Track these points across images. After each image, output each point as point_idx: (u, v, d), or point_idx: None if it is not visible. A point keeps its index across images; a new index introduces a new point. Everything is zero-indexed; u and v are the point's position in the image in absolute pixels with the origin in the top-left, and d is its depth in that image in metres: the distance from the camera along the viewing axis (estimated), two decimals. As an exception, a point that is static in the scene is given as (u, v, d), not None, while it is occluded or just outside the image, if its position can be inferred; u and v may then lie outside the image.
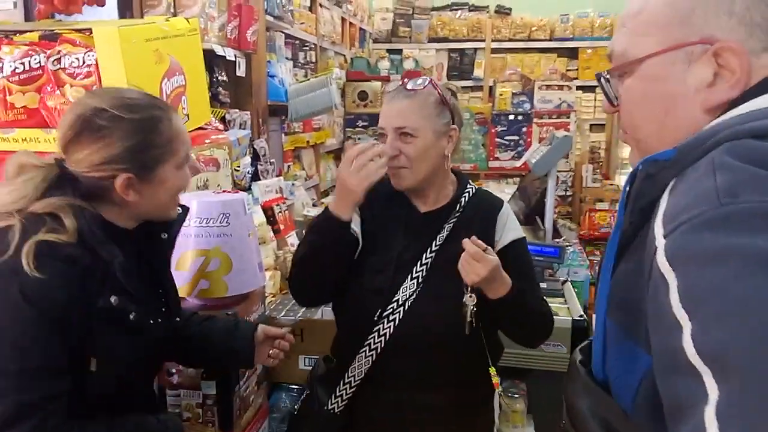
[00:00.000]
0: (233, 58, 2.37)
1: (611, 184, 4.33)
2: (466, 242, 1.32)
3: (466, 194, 1.50)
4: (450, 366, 1.41)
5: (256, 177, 2.54)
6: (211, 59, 2.27)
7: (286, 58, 3.33)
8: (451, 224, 1.46)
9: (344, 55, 4.65)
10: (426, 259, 1.41)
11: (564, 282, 2.30)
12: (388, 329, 1.39)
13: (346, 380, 1.44)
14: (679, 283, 0.52)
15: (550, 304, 1.72)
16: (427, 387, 1.41)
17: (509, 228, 1.51)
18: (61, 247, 1.00)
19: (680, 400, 0.50)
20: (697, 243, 0.52)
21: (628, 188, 0.66)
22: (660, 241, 0.55)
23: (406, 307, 1.40)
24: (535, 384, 1.99)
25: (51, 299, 0.97)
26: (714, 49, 0.64)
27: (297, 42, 3.59)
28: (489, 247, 1.33)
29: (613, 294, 0.67)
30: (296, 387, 1.96)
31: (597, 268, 3.19)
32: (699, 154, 0.59)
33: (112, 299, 1.05)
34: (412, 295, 1.40)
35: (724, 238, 0.50)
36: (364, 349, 1.41)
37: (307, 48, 3.79)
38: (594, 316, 0.73)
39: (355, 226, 1.43)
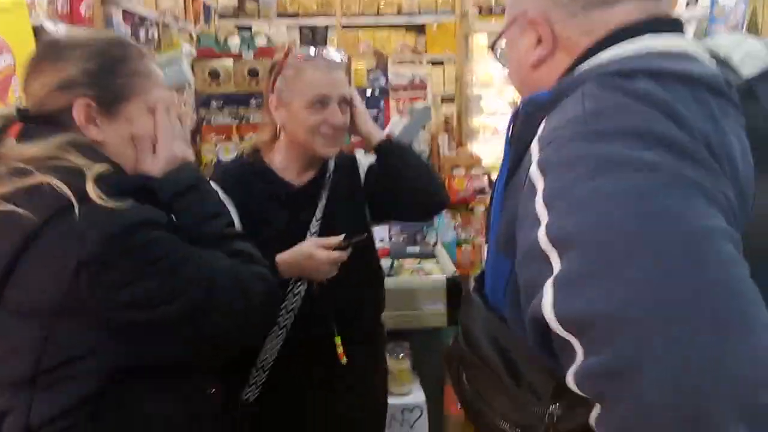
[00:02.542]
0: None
1: (465, 152, 4.60)
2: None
3: (331, 162, 1.57)
4: (354, 324, 1.45)
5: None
6: (41, 36, 2.02)
7: (126, 35, 3.07)
8: (327, 191, 1.50)
9: (190, 32, 4.39)
10: (314, 229, 1.42)
11: (435, 245, 2.42)
12: (295, 303, 1.40)
13: (259, 365, 1.41)
14: (545, 186, 0.61)
15: (424, 266, 1.81)
16: (336, 350, 1.44)
17: (364, 163, 1.62)
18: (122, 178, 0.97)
19: (533, 281, 0.59)
20: (561, 153, 0.61)
21: (511, 126, 0.76)
22: (535, 157, 0.65)
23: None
24: (417, 342, 2.09)
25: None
26: (526, 19, 0.79)
27: (136, 17, 3.32)
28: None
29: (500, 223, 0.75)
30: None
31: (460, 230, 3.39)
32: (571, 92, 0.68)
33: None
34: None
35: (584, 147, 0.59)
36: (273, 329, 1.39)
37: (148, 24, 3.53)
38: (486, 252, 0.81)
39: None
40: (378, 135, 1.50)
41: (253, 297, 1.01)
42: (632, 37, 0.72)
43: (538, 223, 0.60)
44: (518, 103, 0.76)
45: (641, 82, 0.63)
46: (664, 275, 0.52)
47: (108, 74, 1.00)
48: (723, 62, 0.74)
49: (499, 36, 0.87)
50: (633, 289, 0.52)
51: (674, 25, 0.75)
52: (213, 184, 1.44)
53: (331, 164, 1.55)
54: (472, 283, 0.84)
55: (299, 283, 1.42)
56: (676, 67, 0.66)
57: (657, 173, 0.56)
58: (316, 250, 1.36)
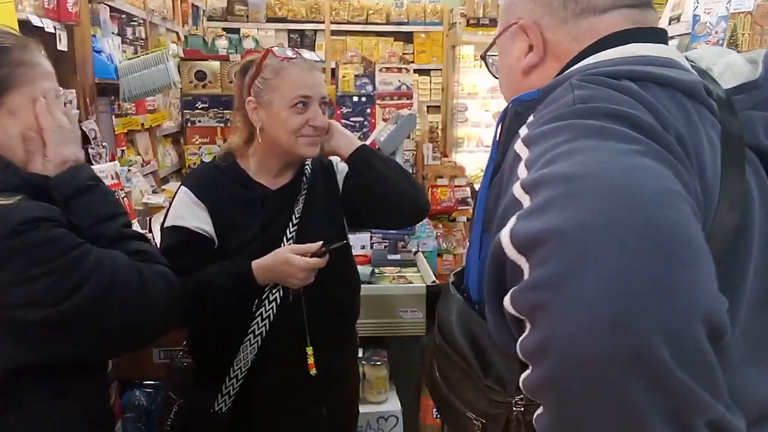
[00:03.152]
0: (53, 30, 2.12)
1: (449, 161, 4.63)
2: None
3: (308, 166, 1.55)
4: (328, 332, 1.44)
5: (87, 162, 2.31)
6: (27, 32, 2.00)
7: (113, 34, 3.05)
8: (304, 195, 1.48)
9: (177, 32, 4.38)
10: (290, 233, 1.40)
11: (416, 253, 2.42)
12: (270, 311, 1.37)
13: (232, 374, 1.39)
14: (529, 154, 0.63)
15: (405, 274, 1.80)
16: (316, 354, 1.42)
17: (342, 169, 1.60)
18: None
19: (503, 225, 0.60)
20: (548, 127, 0.64)
21: (500, 126, 0.77)
22: (521, 135, 0.67)
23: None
24: (394, 350, 2.09)
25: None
26: (518, 26, 0.81)
27: (124, 16, 3.30)
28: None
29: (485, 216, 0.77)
30: (151, 383, 1.85)
31: (441, 240, 3.40)
32: (558, 87, 0.70)
33: None
34: None
35: (571, 121, 0.62)
36: (248, 337, 1.37)
37: (135, 23, 3.51)
38: (468, 245, 0.81)
39: (206, 226, 1.39)
40: (347, 148, 1.46)
41: (153, 295, 0.99)
42: (618, 44, 0.74)
43: (517, 180, 0.62)
44: (507, 104, 0.77)
45: (625, 83, 0.66)
46: (622, 206, 0.53)
47: None
48: (704, 72, 0.76)
49: (492, 44, 0.89)
50: (588, 213, 0.53)
51: (659, 35, 0.78)
52: (185, 189, 1.43)
53: (309, 168, 1.53)
54: (451, 278, 0.86)
55: (274, 290, 1.39)
56: (658, 72, 0.69)
57: (634, 143, 0.58)
58: (292, 257, 1.33)
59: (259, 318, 1.38)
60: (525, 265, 0.56)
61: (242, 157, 1.48)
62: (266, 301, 1.38)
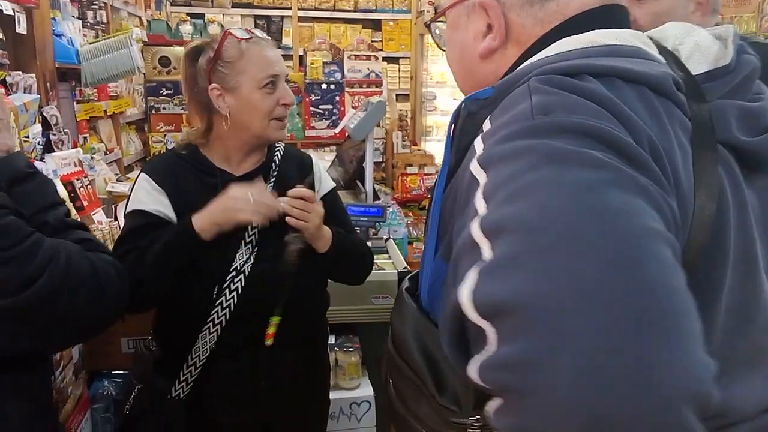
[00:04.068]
0: (11, 13, 2.05)
1: (419, 150, 4.65)
2: (299, 191, 1.35)
3: (278, 152, 1.51)
4: (295, 321, 1.42)
5: (49, 149, 2.24)
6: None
7: (73, 17, 2.96)
8: (272, 183, 1.45)
9: (139, 17, 4.27)
10: (255, 222, 1.38)
11: (387, 240, 2.44)
12: (231, 300, 1.35)
13: (190, 362, 1.37)
14: (486, 180, 0.57)
15: (377, 261, 1.79)
16: (279, 347, 1.40)
17: (325, 178, 1.58)
18: None
19: (461, 271, 0.55)
20: (505, 147, 0.58)
21: (453, 126, 0.70)
22: (477, 152, 0.61)
23: (246, 273, 1.37)
24: (367, 336, 2.10)
25: None
26: (476, 2, 0.72)
27: (84, 0, 3.20)
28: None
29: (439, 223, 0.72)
30: (120, 372, 1.82)
31: (411, 228, 3.42)
32: (515, 88, 0.64)
33: None
34: (248, 260, 1.38)
35: (529, 142, 0.56)
36: (207, 326, 1.36)
37: (96, 6, 3.40)
38: (423, 250, 0.76)
39: (166, 210, 1.36)
40: (323, 246, 1.42)
41: (105, 283, 0.98)
42: (581, 29, 0.68)
43: (475, 215, 0.56)
44: (459, 104, 0.70)
45: (587, 82, 0.60)
46: (596, 269, 0.48)
47: None
48: (670, 54, 0.70)
49: (441, 12, 0.79)
50: (560, 279, 0.48)
51: (622, 14, 0.72)
52: (144, 176, 1.39)
53: (279, 153, 1.49)
54: (405, 283, 0.79)
55: (236, 279, 1.35)
56: (622, 66, 0.63)
57: (602, 171, 0.52)
58: (231, 189, 1.30)
59: (219, 307, 1.35)
60: (490, 331, 0.51)
61: (203, 147, 1.44)
62: (227, 290, 1.36)
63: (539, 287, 0.48)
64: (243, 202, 1.30)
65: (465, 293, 0.52)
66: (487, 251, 0.53)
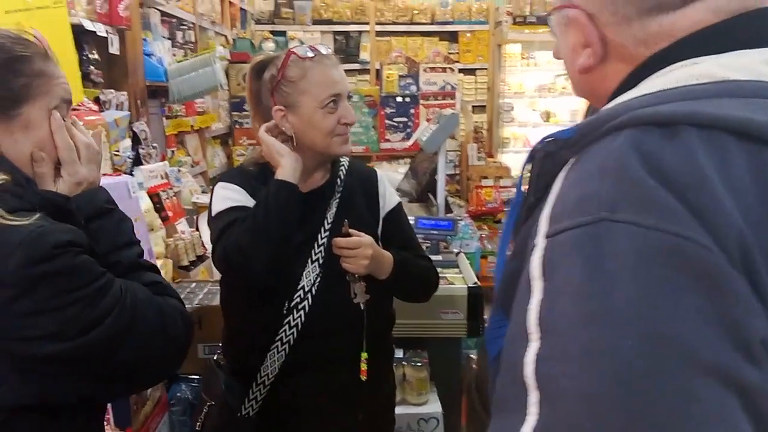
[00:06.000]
0: (105, 34, 2.20)
1: (494, 162, 4.57)
2: (338, 240, 1.36)
3: (342, 168, 1.50)
4: (359, 343, 1.41)
5: (138, 162, 2.39)
6: (80, 36, 2.08)
7: (163, 37, 3.14)
8: (337, 199, 1.45)
9: (225, 36, 4.48)
10: (322, 239, 1.38)
11: (458, 254, 2.40)
12: (299, 319, 1.36)
13: (259, 380, 1.38)
14: (543, 297, 0.51)
15: (446, 275, 1.76)
16: (342, 368, 1.39)
17: (390, 193, 1.55)
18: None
19: (507, 401, 0.51)
20: (567, 263, 0.50)
21: (528, 166, 0.64)
22: (540, 241, 0.53)
23: (314, 292, 1.37)
24: (436, 351, 2.07)
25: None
26: (571, 16, 0.65)
27: (174, 20, 3.40)
28: (359, 232, 1.37)
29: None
30: (197, 377, 1.89)
31: (486, 241, 3.36)
32: (598, 136, 0.55)
33: None
34: (316, 279, 1.37)
35: (588, 270, 0.48)
36: (275, 344, 1.36)
37: (185, 27, 3.60)
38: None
39: (249, 203, 1.39)
40: (384, 274, 1.41)
41: (172, 333, 0.94)
42: (693, 54, 0.57)
43: (527, 340, 0.50)
44: (535, 144, 0.63)
45: (679, 145, 0.50)
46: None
47: (8, 73, 0.89)
48: None
49: (551, 11, 0.71)
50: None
51: (759, 31, 0.57)
52: (221, 184, 1.40)
53: (344, 169, 1.49)
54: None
55: (304, 298, 1.36)
56: (737, 116, 0.51)
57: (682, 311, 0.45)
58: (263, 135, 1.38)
59: (287, 326, 1.36)
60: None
61: (271, 165, 1.44)
62: (294, 310, 1.37)
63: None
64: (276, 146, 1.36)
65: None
66: (532, 407, 0.47)
